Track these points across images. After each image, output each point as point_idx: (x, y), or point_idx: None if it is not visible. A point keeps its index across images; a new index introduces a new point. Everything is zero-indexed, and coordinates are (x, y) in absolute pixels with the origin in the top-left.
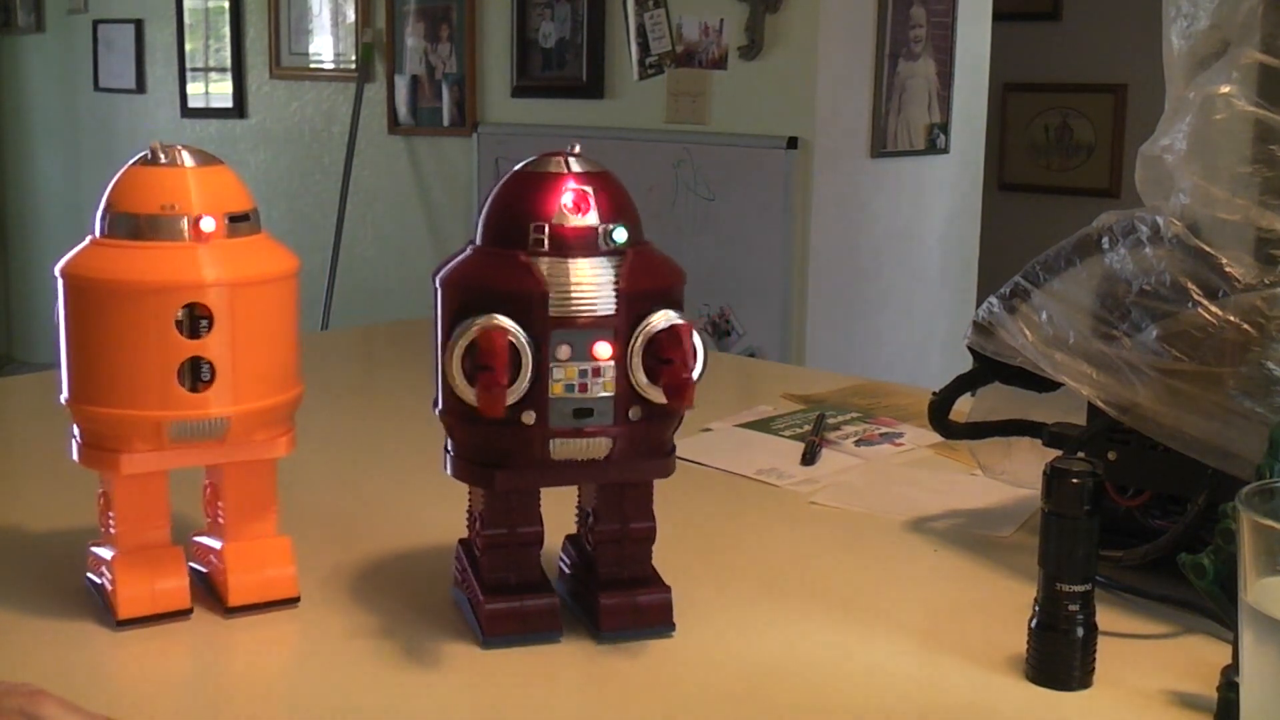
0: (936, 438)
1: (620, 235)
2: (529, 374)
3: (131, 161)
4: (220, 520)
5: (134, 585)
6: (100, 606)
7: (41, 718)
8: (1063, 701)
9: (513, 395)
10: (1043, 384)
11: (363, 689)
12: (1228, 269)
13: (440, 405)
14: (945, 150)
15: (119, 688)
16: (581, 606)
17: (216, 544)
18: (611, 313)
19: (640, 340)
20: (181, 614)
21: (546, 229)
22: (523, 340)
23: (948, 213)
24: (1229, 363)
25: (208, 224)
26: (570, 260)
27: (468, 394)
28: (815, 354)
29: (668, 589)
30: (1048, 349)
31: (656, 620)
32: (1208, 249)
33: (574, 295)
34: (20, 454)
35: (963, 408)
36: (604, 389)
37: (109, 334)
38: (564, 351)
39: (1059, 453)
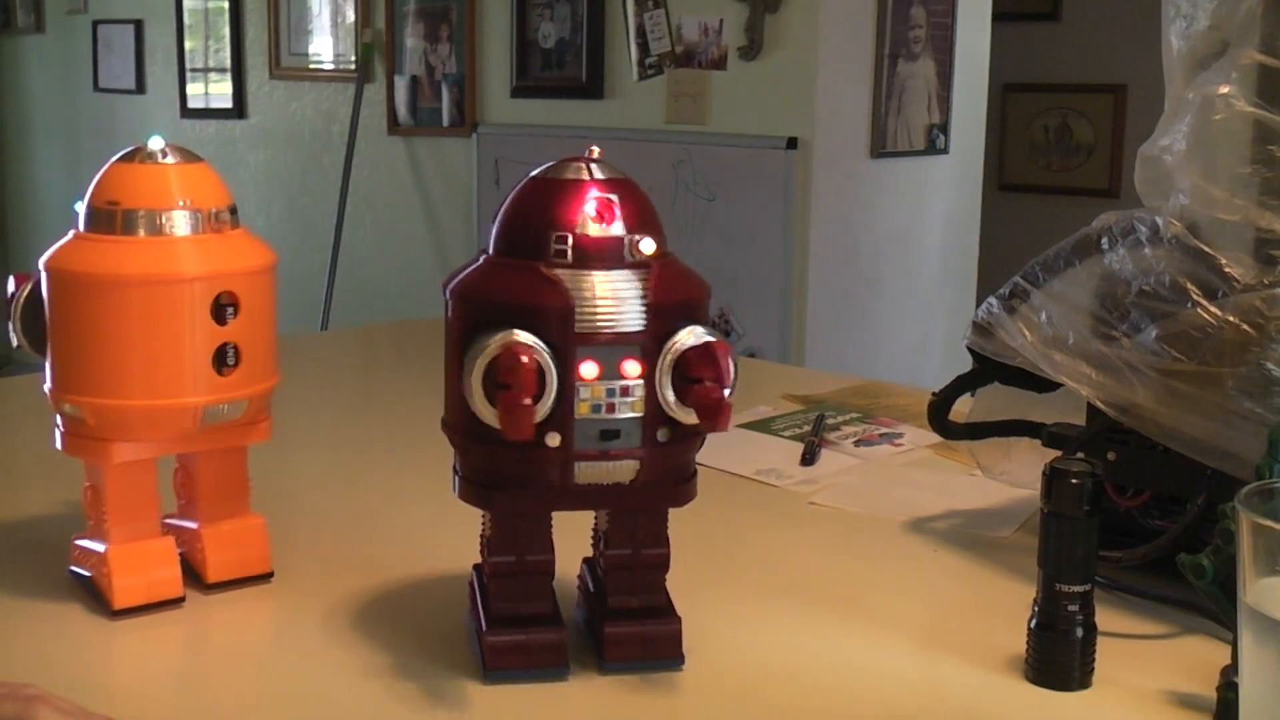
0: (936, 438)
1: (649, 246)
2: (553, 394)
3: (116, 159)
4: (196, 502)
5: (129, 576)
6: (90, 597)
7: None
8: (1062, 702)
9: (536, 416)
10: (1042, 384)
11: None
12: (1227, 269)
13: (447, 422)
14: (945, 151)
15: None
16: (592, 634)
17: (192, 525)
18: (640, 328)
19: (669, 357)
20: (174, 602)
21: (569, 239)
22: (547, 358)
23: (947, 213)
24: (1228, 363)
25: (224, 217)
26: (595, 273)
27: (488, 414)
28: (815, 354)
29: (678, 620)
30: (1047, 349)
31: (664, 653)
32: (1207, 249)
33: (600, 310)
34: (21, 454)
35: (962, 408)
36: (632, 409)
37: (142, 327)
38: (590, 369)
39: (1058, 453)
